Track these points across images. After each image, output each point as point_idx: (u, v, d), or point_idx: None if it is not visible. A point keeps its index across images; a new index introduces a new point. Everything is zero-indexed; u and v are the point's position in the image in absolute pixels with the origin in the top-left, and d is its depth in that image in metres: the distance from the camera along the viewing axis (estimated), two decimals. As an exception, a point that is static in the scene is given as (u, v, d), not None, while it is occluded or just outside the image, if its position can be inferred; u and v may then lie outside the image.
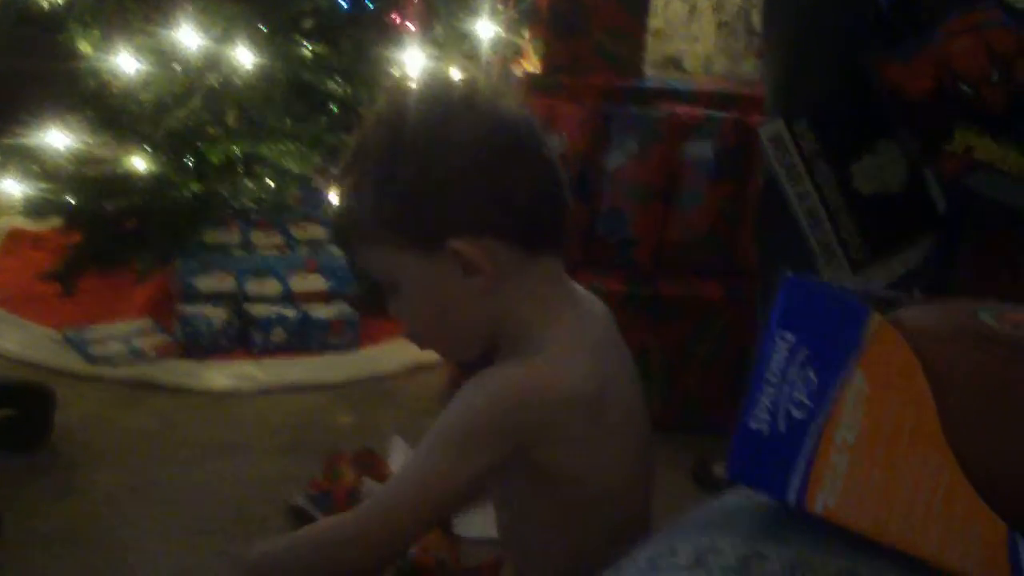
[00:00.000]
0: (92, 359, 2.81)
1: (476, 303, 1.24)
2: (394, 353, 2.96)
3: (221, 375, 2.83)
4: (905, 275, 1.62)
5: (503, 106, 1.27)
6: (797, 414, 1.03)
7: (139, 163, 2.70)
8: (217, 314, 2.93)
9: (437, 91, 1.34)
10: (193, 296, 2.96)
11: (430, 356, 2.94)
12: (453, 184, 1.21)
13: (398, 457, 2.35)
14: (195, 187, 2.73)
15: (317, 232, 3.16)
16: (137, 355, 2.85)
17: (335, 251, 3.11)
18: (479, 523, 2.01)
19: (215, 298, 2.97)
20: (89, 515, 2.22)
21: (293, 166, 2.77)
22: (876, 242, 1.62)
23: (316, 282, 3.08)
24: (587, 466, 1.24)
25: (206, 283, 2.99)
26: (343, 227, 1.27)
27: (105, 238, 2.72)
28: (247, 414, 2.69)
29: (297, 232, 3.16)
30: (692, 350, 2.64)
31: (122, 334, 2.91)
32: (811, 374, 1.03)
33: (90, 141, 2.75)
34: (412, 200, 1.21)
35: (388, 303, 1.27)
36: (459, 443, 1.21)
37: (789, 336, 1.05)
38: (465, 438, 1.21)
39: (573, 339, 1.25)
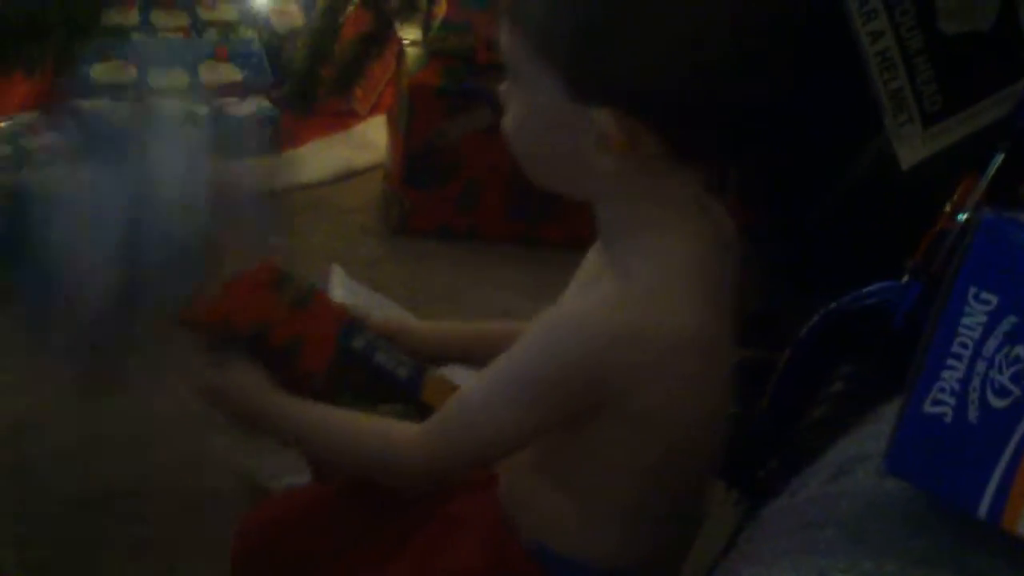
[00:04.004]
0: (-26, 164, 2.46)
1: (590, 170, 1.02)
2: (320, 157, 2.67)
3: (125, 182, 2.49)
4: (985, 129, 1.38)
5: None
6: (998, 402, 0.79)
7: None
8: (117, 110, 2.57)
9: None
10: (88, 88, 2.59)
11: (362, 160, 2.70)
12: (637, 47, 0.97)
13: (340, 293, 2.09)
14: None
15: (228, 13, 2.78)
16: (26, 158, 2.50)
17: (248, 34, 2.76)
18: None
19: (114, 91, 2.60)
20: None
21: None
22: (954, 92, 1.37)
23: (228, 72, 2.72)
24: (675, 414, 1.05)
25: (103, 73, 2.62)
26: None
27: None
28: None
29: (204, 12, 2.78)
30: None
31: (7, 132, 2.55)
32: (1021, 351, 0.78)
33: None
34: (581, 39, 0.98)
35: (502, 87, 1.07)
36: (539, 389, 1.04)
37: (988, 298, 0.79)
38: (548, 385, 1.03)
39: (689, 267, 1.03)
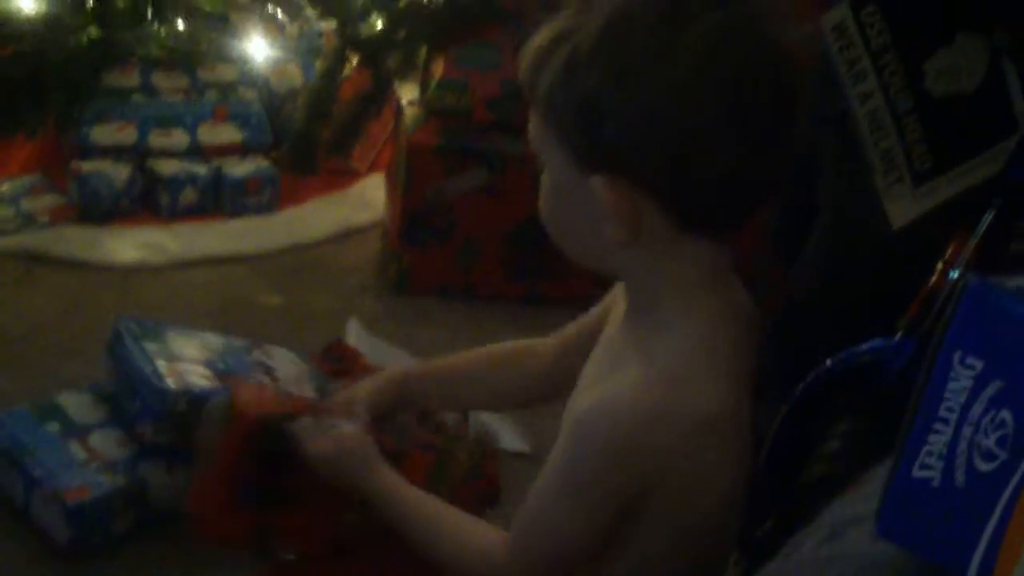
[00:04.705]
0: (-26, 226, 2.47)
1: (605, 239, 1.05)
2: (319, 215, 2.68)
3: (126, 245, 2.51)
4: (975, 188, 1.39)
5: (770, 34, 1.02)
6: (984, 466, 0.80)
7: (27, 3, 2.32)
8: (118, 171, 2.59)
9: None
10: (89, 150, 2.60)
11: (360, 219, 2.71)
12: (633, 119, 1.00)
13: (360, 346, 2.11)
14: (94, 32, 2.36)
15: (227, 74, 2.80)
16: (28, 220, 2.51)
17: (248, 95, 2.78)
18: (514, 435, 1.90)
19: (114, 152, 2.62)
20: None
21: (206, 5, 2.41)
22: (943, 151, 1.38)
23: (228, 133, 2.74)
24: (704, 491, 1.08)
25: (104, 135, 2.63)
26: (526, 72, 1.06)
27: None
28: (159, 292, 2.39)
29: (203, 73, 2.80)
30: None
31: (8, 194, 2.56)
32: (1006, 415, 0.79)
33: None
34: (583, 108, 1.01)
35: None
36: (589, 489, 1.06)
37: (974, 362, 0.80)
38: (595, 482, 1.05)
39: (711, 345, 1.05)
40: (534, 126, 1.07)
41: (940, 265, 1.41)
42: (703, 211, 1.03)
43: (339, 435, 1.24)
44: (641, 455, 1.03)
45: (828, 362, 1.52)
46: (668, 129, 0.99)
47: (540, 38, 1.04)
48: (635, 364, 1.06)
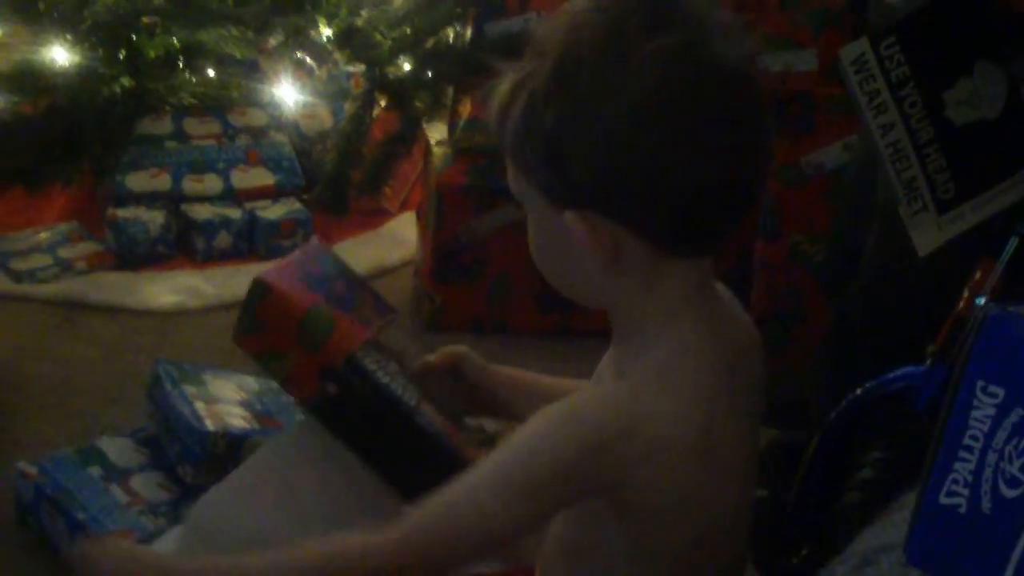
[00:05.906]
0: (15, 275, 2.51)
1: (591, 272, 1.06)
2: (352, 255, 2.68)
3: (163, 289, 2.54)
4: (1000, 215, 1.41)
5: (717, 52, 1.01)
6: (1010, 492, 0.81)
7: (60, 55, 2.36)
8: (153, 218, 2.63)
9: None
10: (124, 198, 2.65)
11: (392, 258, 2.74)
12: (596, 149, 1.00)
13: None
14: (127, 82, 2.41)
15: (258, 118, 2.84)
16: (66, 267, 2.55)
17: (279, 138, 2.83)
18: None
19: (149, 199, 2.67)
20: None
21: (236, 52, 2.45)
22: (966, 179, 1.40)
23: (260, 176, 2.78)
24: (682, 510, 1.07)
25: (138, 182, 2.68)
26: (493, 123, 1.08)
27: (28, 144, 2.38)
28: (197, 335, 2.42)
29: (234, 118, 2.84)
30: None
31: (46, 242, 2.61)
32: (1030, 442, 0.80)
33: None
34: (547, 146, 1.02)
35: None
36: (528, 480, 1.05)
37: (996, 391, 0.82)
38: (538, 476, 1.05)
39: (681, 372, 1.05)
40: (510, 173, 1.09)
41: (966, 292, 1.42)
42: (676, 233, 1.04)
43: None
44: (600, 462, 1.03)
45: (859, 390, 1.53)
46: (628, 158, 1.00)
47: (501, 89, 1.06)
48: (609, 379, 1.09)
